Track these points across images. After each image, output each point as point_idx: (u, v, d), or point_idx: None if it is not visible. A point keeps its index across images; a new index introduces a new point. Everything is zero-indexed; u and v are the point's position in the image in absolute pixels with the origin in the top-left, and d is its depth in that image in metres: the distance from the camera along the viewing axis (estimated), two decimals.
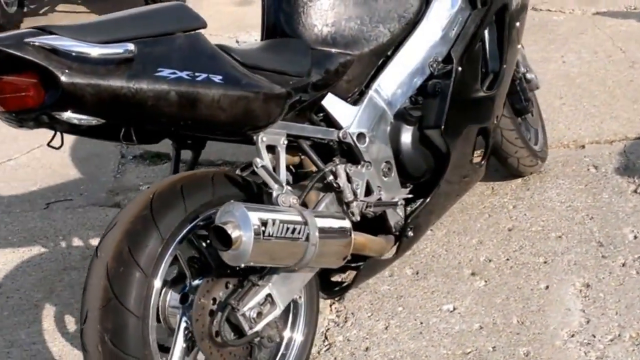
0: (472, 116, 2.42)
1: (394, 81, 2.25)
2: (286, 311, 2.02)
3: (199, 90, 1.68)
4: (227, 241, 1.63)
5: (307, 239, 1.80)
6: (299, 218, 1.80)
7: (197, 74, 1.69)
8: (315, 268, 1.97)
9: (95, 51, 1.53)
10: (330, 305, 2.46)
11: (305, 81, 2.00)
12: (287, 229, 1.75)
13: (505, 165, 2.95)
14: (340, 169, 2.10)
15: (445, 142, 2.29)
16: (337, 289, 2.28)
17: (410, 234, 2.30)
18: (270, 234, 1.69)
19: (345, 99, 2.16)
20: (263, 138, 1.91)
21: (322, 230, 1.84)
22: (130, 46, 1.58)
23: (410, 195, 2.34)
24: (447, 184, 2.38)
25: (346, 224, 1.94)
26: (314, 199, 2.08)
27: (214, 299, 1.84)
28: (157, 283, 1.70)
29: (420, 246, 2.67)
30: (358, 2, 2.17)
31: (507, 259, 2.58)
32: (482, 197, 2.97)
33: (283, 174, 1.93)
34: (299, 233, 1.78)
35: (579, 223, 2.71)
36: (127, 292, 1.63)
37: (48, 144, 1.72)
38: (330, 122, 2.14)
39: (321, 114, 2.13)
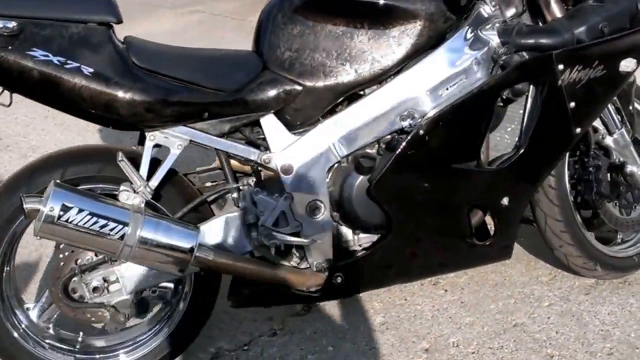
0: (445, 188, 2.15)
1: (353, 124, 2.11)
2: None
3: (63, 76, 1.88)
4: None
5: (122, 238, 1.93)
6: (122, 218, 1.93)
7: (69, 61, 1.89)
8: (163, 268, 2.06)
9: None
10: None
11: (226, 97, 2.04)
12: (97, 222, 1.90)
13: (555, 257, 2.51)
14: (247, 190, 2.13)
15: (386, 204, 2.12)
16: None
17: (339, 280, 2.21)
18: (69, 220, 1.87)
19: (289, 126, 2.13)
20: (152, 137, 2.05)
21: (145, 238, 1.94)
22: (11, 24, 1.85)
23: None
24: (395, 249, 2.21)
25: (186, 242, 1.98)
26: (219, 211, 2.16)
27: (76, 261, 2.10)
28: None
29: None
30: (330, 35, 2.08)
31: None
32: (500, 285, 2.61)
33: (144, 173, 2.03)
34: (111, 230, 1.92)
35: None
36: None
37: None
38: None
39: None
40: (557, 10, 2.24)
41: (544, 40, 2.08)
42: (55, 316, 2.19)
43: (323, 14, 2.08)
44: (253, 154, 2.12)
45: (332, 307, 2.53)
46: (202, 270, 2.11)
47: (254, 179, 2.18)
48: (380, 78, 2.10)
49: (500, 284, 2.60)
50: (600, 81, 2.16)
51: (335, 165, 2.16)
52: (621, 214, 2.53)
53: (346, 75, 2.08)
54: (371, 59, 2.08)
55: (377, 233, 2.23)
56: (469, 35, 2.13)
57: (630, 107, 2.44)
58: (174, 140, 2.06)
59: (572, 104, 2.14)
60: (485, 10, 2.17)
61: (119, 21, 1.98)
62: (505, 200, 2.22)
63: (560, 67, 2.08)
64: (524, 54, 2.11)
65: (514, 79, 2.09)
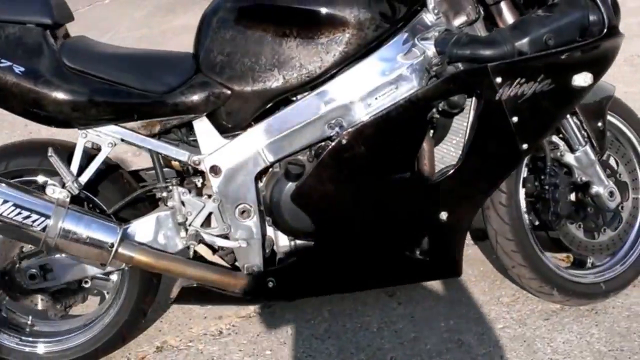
0: (373, 199, 2.09)
1: (282, 130, 2.09)
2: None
3: None
4: None
5: (44, 230, 2.00)
6: (45, 211, 2.01)
7: (2, 60, 1.99)
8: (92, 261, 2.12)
9: None
10: None
11: (155, 98, 2.07)
12: (20, 214, 1.99)
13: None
14: (176, 190, 2.15)
15: (309, 213, 2.08)
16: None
17: (271, 285, 2.20)
18: None
19: (221, 129, 2.13)
20: (84, 134, 2.10)
21: (66, 231, 2.02)
22: None
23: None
24: (324, 258, 2.17)
25: (107, 237, 2.04)
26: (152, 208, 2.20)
27: (21, 249, 2.20)
28: None
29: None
30: (260, 41, 2.05)
31: None
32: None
33: (74, 168, 2.09)
34: (34, 222, 2.00)
35: None
36: None
37: None
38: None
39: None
40: (510, 18, 2.13)
41: (481, 52, 1.97)
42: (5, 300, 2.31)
43: (254, 19, 2.07)
44: (183, 155, 2.14)
45: (281, 311, 2.52)
46: (127, 266, 2.15)
47: (186, 180, 2.19)
48: (310, 85, 2.07)
49: (457, 301, 2.50)
50: (548, 96, 2.03)
51: (269, 170, 2.14)
52: (591, 237, 2.37)
53: (274, 81, 2.06)
54: (299, 66, 2.04)
55: (309, 240, 2.20)
56: (404, 44, 2.06)
57: (600, 124, 2.27)
58: (105, 138, 2.11)
59: (515, 119, 2.03)
60: (428, 18, 2.09)
61: (56, 22, 2.05)
62: (443, 215, 2.13)
63: (498, 80, 1.97)
64: (460, 65, 2.02)
65: (445, 91, 2.00)
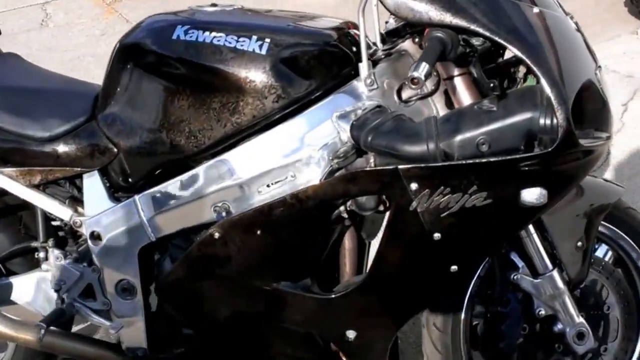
0: (254, 308, 1.72)
1: (168, 203, 1.76)
2: None
3: None
4: None
5: None
6: None
7: None
8: None
9: None
10: None
11: (33, 145, 1.83)
12: None
13: None
14: (52, 253, 1.89)
15: (175, 311, 1.77)
16: None
17: None
18: None
19: (113, 189, 1.84)
20: None
21: None
22: None
23: None
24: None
25: None
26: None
27: None
28: None
29: None
30: (154, 96, 1.71)
31: None
32: None
33: None
34: None
35: None
36: None
37: None
38: None
39: None
40: (466, 98, 1.65)
41: (398, 146, 1.53)
42: None
43: (152, 67, 1.73)
44: (65, 213, 1.87)
45: None
46: None
47: (69, 242, 1.92)
48: (199, 155, 1.72)
49: None
50: (483, 213, 1.54)
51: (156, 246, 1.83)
52: None
53: (161, 144, 1.73)
54: (188, 131, 1.70)
55: (194, 332, 1.87)
56: (316, 121, 1.65)
57: (580, 243, 1.75)
58: None
59: (437, 235, 1.57)
60: (358, 89, 1.65)
61: None
62: (350, 334, 1.72)
63: (413, 186, 1.52)
64: (371, 159, 1.58)
65: (343, 191, 1.58)
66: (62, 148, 1.82)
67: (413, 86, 1.41)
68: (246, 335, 1.79)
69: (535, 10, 1.54)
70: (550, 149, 1.47)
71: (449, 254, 1.61)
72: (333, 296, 1.69)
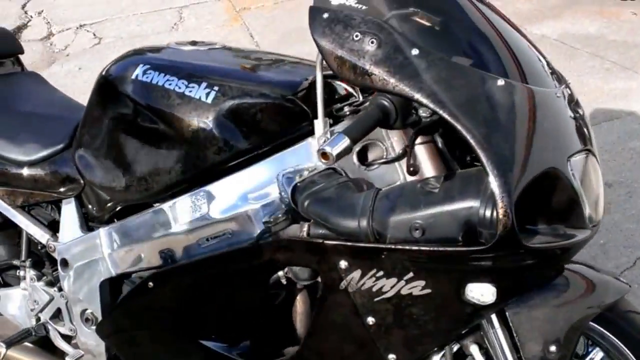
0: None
1: (125, 240, 1.71)
2: None
3: None
4: None
5: None
6: None
7: None
8: None
9: None
10: None
11: (13, 168, 1.88)
12: None
13: None
14: (28, 274, 1.92)
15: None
16: None
17: None
18: None
19: (87, 218, 1.83)
20: None
21: None
22: None
23: None
24: None
25: None
26: None
27: None
28: None
29: None
30: (115, 134, 1.69)
31: None
32: None
33: None
34: None
35: None
36: None
37: None
38: None
39: None
40: (427, 169, 1.47)
41: (330, 218, 1.38)
42: None
43: (118, 103, 1.69)
44: (42, 236, 1.89)
45: None
46: None
47: (46, 264, 1.94)
48: (150, 199, 1.66)
49: None
50: (422, 303, 1.37)
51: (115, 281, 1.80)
52: None
53: (118, 182, 1.70)
54: (140, 174, 1.65)
55: None
56: (260, 178, 1.53)
57: (553, 348, 1.46)
58: None
59: (371, 320, 1.42)
60: (311, 147, 1.52)
61: None
62: None
63: (342, 264, 1.38)
64: (305, 228, 1.44)
65: (271, 257, 1.45)
66: (39, 173, 1.84)
67: (323, 161, 1.26)
68: None
69: (500, 82, 1.32)
70: (486, 246, 1.26)
71: (384, 342, 1.44)
72: None
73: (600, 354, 1.59)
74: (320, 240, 1.38)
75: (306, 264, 1.45)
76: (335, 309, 1.44)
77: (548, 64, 1.52)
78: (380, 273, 1.36)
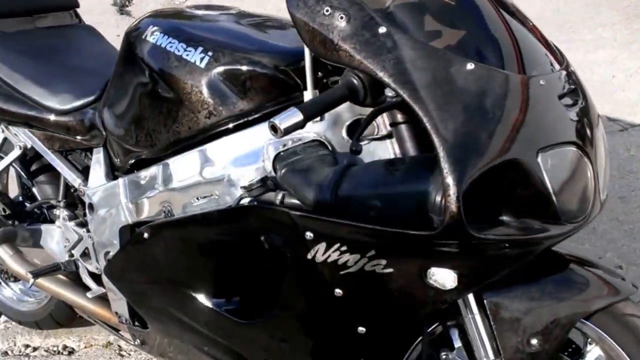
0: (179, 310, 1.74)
1: (135, 192, 1.81)
2: None
3: None
4: None
5: None
6: None
7: None
8: None
9: None
10: None
11: (48, 114, 2.01)
12: None
13: None
14: (61, 213, 2.06)
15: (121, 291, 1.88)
16: None
17: (137, 342, 2.02)
18: None
19: (111, 166, 1.94)
20: (2, 129, 2.17)
21: None
22: None
23: None
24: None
25: None
26: None
27: None
28: None
29: None
30: (132, 90, 1.76)
31: None
32: None
33: None
34: None
35: None
36: None
37: None
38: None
39: None
40: (410, 148, 1.45)
41: (299, 189, 1.41)
42: None
43: (135, 61, 1.75)
44: (75, 180, 2.02)
45: None
46: None
47: (64, 202, 2.09)
48: (156, 154, 1.74)
49: None
50: (387, 281, 1.37)
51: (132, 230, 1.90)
52: None
53: (130, 137, 1.79)
54: (146, 129, 1.72)
55: None
56: (248, 143, 1.56)
57: (535, 341, 1.39)
58: (15, 140, 2.11)
59: (339, 292, 1.44)
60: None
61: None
62: None
63: (308, 235, 1.40)
64: (279, 196, 1.47)
65: (242, 222, 1.50)
66: (70, 122, 1.96)
67: (273, 133, 1.27)
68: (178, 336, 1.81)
69: (469, 66, 1.27)
70: (434, 233, 1.25)
71: (353, 313, 1.47)
72: (243, 322, 1.64)
73: (600, 354, 1.52)
74: (287, 210, 1.40)
75: (277, 232, 1.48)
76: (304, 277, 1.47)
77: (549, 46, 1.45)
78: (344, 248, 1.37)
